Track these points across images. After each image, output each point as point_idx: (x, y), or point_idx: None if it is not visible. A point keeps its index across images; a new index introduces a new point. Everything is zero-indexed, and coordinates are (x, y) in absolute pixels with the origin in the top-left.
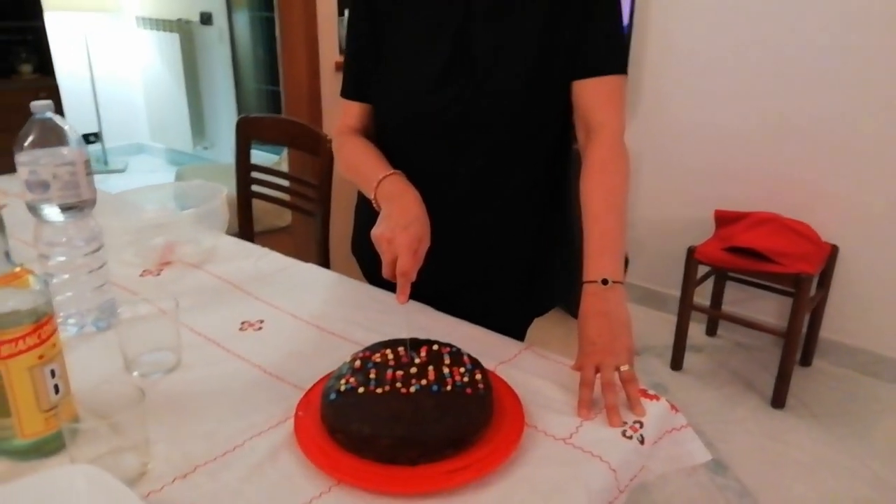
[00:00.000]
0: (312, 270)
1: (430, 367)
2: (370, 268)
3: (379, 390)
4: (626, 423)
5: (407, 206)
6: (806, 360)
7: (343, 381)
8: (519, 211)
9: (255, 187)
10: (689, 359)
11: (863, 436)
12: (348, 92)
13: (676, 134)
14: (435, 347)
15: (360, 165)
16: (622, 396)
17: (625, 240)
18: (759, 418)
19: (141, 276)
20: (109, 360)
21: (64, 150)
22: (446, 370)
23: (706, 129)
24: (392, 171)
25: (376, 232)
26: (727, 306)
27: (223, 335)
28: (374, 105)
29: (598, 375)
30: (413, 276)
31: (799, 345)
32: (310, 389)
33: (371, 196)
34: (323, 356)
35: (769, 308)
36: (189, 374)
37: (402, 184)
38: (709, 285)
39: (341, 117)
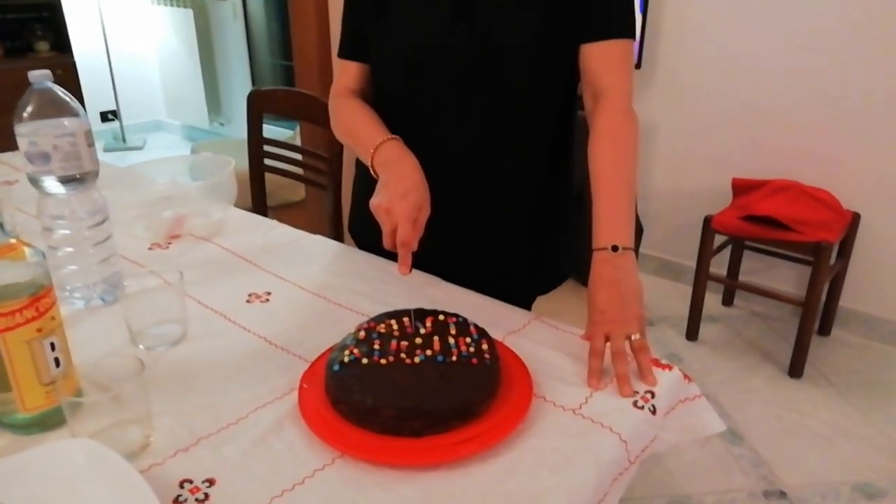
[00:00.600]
0: (320, 242)
1: (436, 338)
2: (368, 243)
3: (383, 361)
4: (637, 392)
5: (405, 173)
6: (824, 330)
7: (347, 353)
8: (523, 178)
9: (267, 161)
10: (705, 329)
11: (881, 405)
12: (345, 51)
13: (693, 101)
14: (441, 318)
15: (357, 130)
16: (633, 366)
17: (634, 205)
18: (775, 388)
19: (150, 249)
20: (115, 334)
21: (64, 121)
22: (452, 340)
23: (723, 96)
24: (390, 135)
25: (374, 202)
26: (744, 276)
27: (230, 307)
28: (372, 65)
29: (609, 345)
30: (414, 246)
31: (817, 314)
32: (315, 361)
33: (368, 162)
34: (329, 327)
35: (787, 277)
36: (194, 347)
37: (400, 149)
38: (725, 255)
39: (337, 78)
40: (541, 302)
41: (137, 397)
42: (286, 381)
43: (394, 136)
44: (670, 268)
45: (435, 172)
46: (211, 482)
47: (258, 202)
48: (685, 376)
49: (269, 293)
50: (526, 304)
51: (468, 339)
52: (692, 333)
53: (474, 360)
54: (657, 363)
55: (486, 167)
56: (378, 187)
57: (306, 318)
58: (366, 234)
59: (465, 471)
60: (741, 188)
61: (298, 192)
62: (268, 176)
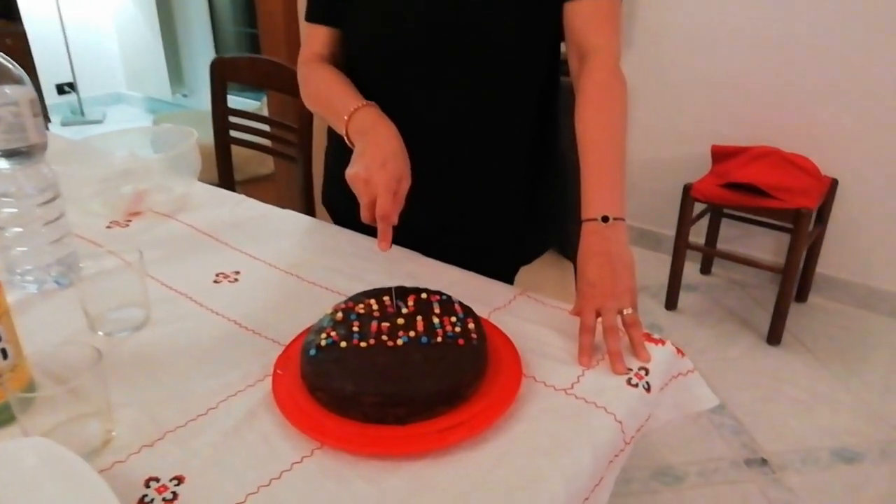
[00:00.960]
0: (292, 217)
1: (419, 318)
2: (343, 217)
3: (363, 344)
4: (630, 369)
5: (383, 140)
6: (801, 296)
7: (324, 335)
8: (506, 146)
9: (233, 133)
10: (684, 298)
11: (858, 371)
12: (314, 14)
13: (672, 67)
14: (423, 296)
15: (329, 97)
16: (625, 342)
17: (625, 172)
18: (754, 356)
19: (108, 227)
20: (72, 319)
21: (6, 89)
22: (436, 320)
23: (703, 61)
24: (365, 102)
25: (351, 172)
26: (722, 244)
27: (196, 288)
28: (345, 34)
29: (600, 320)
30: (394, 220)
31: (796, 281)
32: (289, 345)
33: (342, 131)
34: (303, 308)
35: (765, 244)
36: (158, 332)
37: (377, 116)
38: (703, 223)
39: (306, 44)
40: (521, 274)
41: (96, 389)
42: (259, 367)
43: (369, 102)
44: (649, 237)
45: (414, 143)
46: (179, 480)
47: (224, 176)
48: (678, 350)
49: (237, 272)
50: (509, 276)
51: (453, 319)
52: (671, 303)
53: (461, 341)
54: (649, 338)
55: (468, 137)
56: (354, 156)
57: (278, 298)
58: (341, 208)
59: (454, 458)
60: (720, 155)
61: (267, 165)
62: (234, 149)
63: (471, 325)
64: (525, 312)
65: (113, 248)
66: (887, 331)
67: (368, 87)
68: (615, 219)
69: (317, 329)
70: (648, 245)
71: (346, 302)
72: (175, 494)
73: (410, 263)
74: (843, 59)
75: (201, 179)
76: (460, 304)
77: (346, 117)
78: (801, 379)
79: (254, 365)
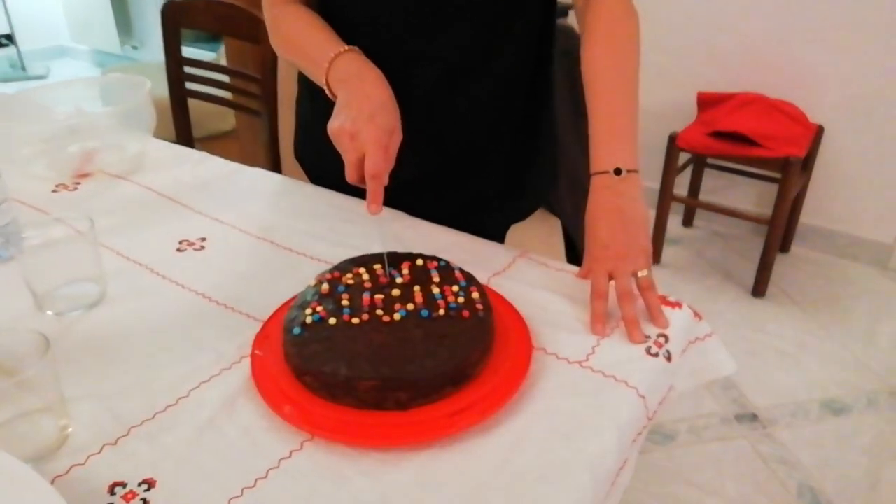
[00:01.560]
0: (261, 176)
1: (416, 288)
2: (320, 175)
3: (355, 320)
4: (648, 337)
5: (370, 89)
6: (784, 247)
7: (309, 311)
8: (501, 93)
9: (190, 86)
10: (667, 251)
11: (842, 320)
12: None
13: (655, 12)
14: (419, 262)
15: (305, 43)
16: (640, 307)
17: (637, 119)
18: (739, 308)
19: (54, 191)
20: (16, 299)
21: None
22: (436, 290)
23: (686, 8)
24: (347, 47)
25: (334, 126)
26: (704, 195)
27: (157, 258)
28: None
29: (613, 284)
30: (386, 179)
31: (782, 232)
32: (267, 321)
33: (322, 81)
34: (280, 277)
35: (748, 195)
36: (116, 310)
37: (361, 62)
38: (686, 174)
39: None
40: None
41: (46, 380)
42: (233, 348)
43: (351, 46)
44: None
45: (402, 96)
46: (149, 484)
47: (182, 134)
48: (695, 313)
49: (203, 239)
50: (501, 235)
51: (455, 288)
52: (655, 256)
53: (465, 313)
54: (665, 301)
55: (461, 83)
56: (337, 108)
57: (252, 267)
58: (317, 164)
59: (464, 447)
60: (706, 102)
61: (228, 120)
62: (192, 103)
63: (475, 295)
64: (527, 277)
65: (60, 215)
66: (870, 279)
67: (348, 29)
68: (629, 171)
69: (300, 304)
70: None
71: (331, 271)
72: (145, 502)
73: (396, 224)
74: (830, 3)
75: (156, 138)
76: (461, 270)
77: (325, 65)
78: (787, 331)
79: (228, 345)
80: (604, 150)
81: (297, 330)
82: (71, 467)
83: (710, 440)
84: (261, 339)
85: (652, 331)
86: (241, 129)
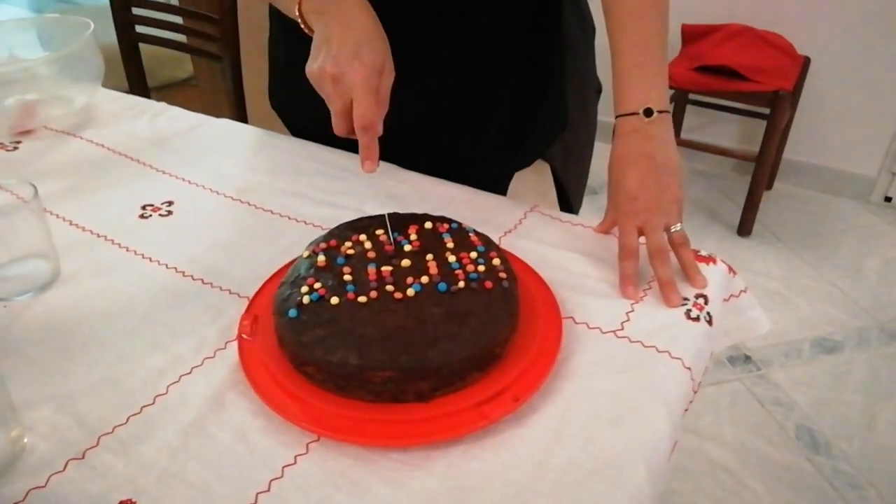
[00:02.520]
0: (231, 128)
1: (429, 256)
2: (301, 123)
3: (362, 298)
4: (686, 299)
5: (352, 19)
6: (768, 184)
7: (305, 289)
8: (504, 31)
9: (140, 29)
10: None
11: (829, 256)
12: None
13: None
14: (428, 225)
15: None
16: (675, 265)
17: (667, 51)
18: (726, 249)
19: None
20: None
21: None
22: (452, 258)
23: None
24: None
25: (314, 68)
26: (685, 134)
27: (118, 227)
28: None
29: (643, 240)
30: (380, 129)
31: (769, 169)
32: (254, 298)
33: (294, 13)
34: (263, 245)
35: (730, 132)
36: (73, 291)
37: None
38: None
39: None
40: None
41: None
42: (216, 332)
43: None
44: (606, 129)
45: (391, 23)
46: None
47: (136, 83)
48: (730, 269)
49: (170, 203)
50: (502, 186)
51: (472, 254)
52: None
53: (488, 284)
54: (698, 256)
55: (459, 21)
56: (315, 45)
57: (229, 234)
58: (297, 113)
59: (497, 441)
60: (691, 35)
61: (185, 66)
62: (144, 49)
63: (495, 261)
64: (541, 234)
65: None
66: (855, 214)
67: None
68: (660, 111)
69: (293, 279)
70: (604, 138)
71: (326, 239)
72: None
73: (389, 179)
74: None
75: (108, 88)
76: (476, 232)
77: None
78: (774, 269)
79: (209, 328)
80: (632, 88)
81: (293, 312)
82: (28, 491)
83: (705, 384)
84: (248, 320)
85: (688, 291)
86: (201, 77)
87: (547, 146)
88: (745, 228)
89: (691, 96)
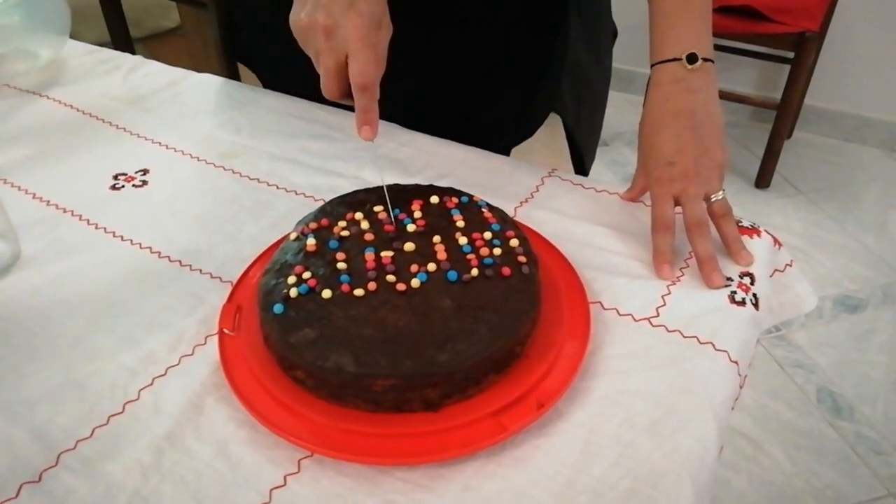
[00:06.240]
0: (211, 84)
1: (437, 239)
2: (277, 79)
3: (358, 291)
4: (730, 280)
5: None
6: (788, 132)
7: (292, 279)
8: None
9: None
10: None
11: (852, 209)
12: None
13: None
14: (434, 199)
15: None
16: (716, 241)
17: None
18: (744, 202)
19: None
20: None
21: None
22: (463, 239)
23: None
24: None
25: (301, 19)
26: None
27: (86, 200)
28: None
29: (679, 211)
30: (377, 91)
31: (791, 117)
32: (237, 284)
33: None
34: (249, 219)
35: (748, 77)
36: (33, 276)
37: None
38: None
39: None
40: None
41: None
42: (194, 323)
43: None
44: (618, 76)
45: None
46: None
47: (118, 33)
48: (775, 240)
49: (144, 171)
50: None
51: (487, 234)
52: None
53: (506, 270)
54: (742, 229)
55: None
56: None
57: (210, 206)
58: (273, 69)
59: (519, 455)
60: None
61: (170, 14)
62: None
63: (513, 242)
64: (562, 203)
65: None
66: (879, 163)
67: None
68: (704, 59)
69: (278, 266)
70: (617, 85)
71: (316, 218)
72: None
73: (389, 141)
74: None
75: (89, 41)
76: (489, 206)
77: None
78: (794, 224)
79: (187, 320)
80: (673, 31)
81: (278, 307)
82: None
83: None
84: (230, 311)
85: (731, 269)
86: (188, 26)
87: (556, 106)
88: (763, 180)
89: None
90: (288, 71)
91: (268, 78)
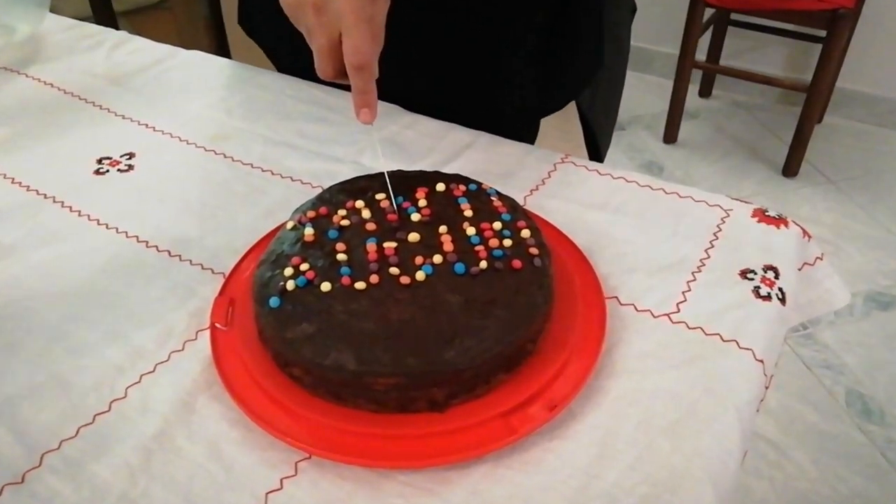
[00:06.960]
0: (201, 61)
1: (443, 229)
2: (280, 50)
3: (359, 284)
4: (754, 273)
5: None
6: (818, 117)
7: (290, 270)
8: None
9: None
10: (684, 128)
11: (885, 199)
12: None
13: None
14: (439, 187)
15: None
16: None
17: None
18: (770, 191)
19: None
20: None
21: None
22: (471, 230)
23: None
24: None
25: None
26: (724, 60)
27: (68, 186)
28: None
29: None
30: (376, 70)
31: (824, 100)
32: (230, 275)
33: None
34: (242, 206)
35: (776, 57)
36: (13, 266)
37: None
38: (705, 37)
39: None
40: None
41: None
42: (185, 317)
43: None
44: (637, 56)
45: None
46: None
47: (101, 7)
48: (804, 232)
49: (130, 155)
50: (528, 133)
51: (497, 225)
52: (671, 135)
53: (516, 262)
54: (766, 217)
55: None
56: None
57: (200, 193)
58: (273, 35)
59: (529, 459)
60: None
61: None
62: None
63: (524, 233)
64: (576, 191)
65: None
66: None
67: None
68: None
69: (274, 257)
70: (636, 66)
71: (314, 206)
72: None
73: (391, 123)
74: None
75: (72, 16)
76: (498, 194)
77: None
78: (823, 215)
79: (177, 313)
80: None
81: (274, 301)
82: None
83: None
84: (223, 305)
85: (756, 262)
86: (175, 0)
87: (579, 90)
88: (790, 168)
89: (734, 16)
90: (294, 48)
91: (278, 56)
